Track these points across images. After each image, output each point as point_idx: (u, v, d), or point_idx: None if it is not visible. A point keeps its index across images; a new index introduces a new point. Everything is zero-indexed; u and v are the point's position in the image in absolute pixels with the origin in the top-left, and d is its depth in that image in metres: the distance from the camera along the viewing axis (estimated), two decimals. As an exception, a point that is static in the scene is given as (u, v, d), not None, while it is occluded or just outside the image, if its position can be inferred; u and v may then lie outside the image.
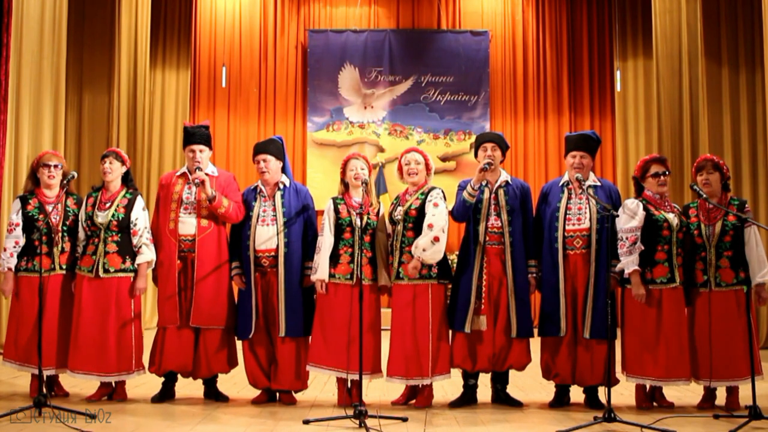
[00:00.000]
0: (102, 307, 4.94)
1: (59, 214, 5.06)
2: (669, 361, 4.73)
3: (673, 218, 4.84)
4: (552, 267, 4.92)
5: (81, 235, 5.09)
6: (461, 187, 4.98)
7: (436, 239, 4.76)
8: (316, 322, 4.97)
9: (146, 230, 5.04)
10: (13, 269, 5.02)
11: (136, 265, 5.01)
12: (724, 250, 4.81)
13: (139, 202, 5.08)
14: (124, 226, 5.01)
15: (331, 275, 4.92)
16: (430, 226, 4.78)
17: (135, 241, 5.01)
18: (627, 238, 4.76)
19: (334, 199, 5.05)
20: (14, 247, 5.01)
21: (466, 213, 4.93)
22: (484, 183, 4.95)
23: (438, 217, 4.81)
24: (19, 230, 5.01)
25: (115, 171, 5.09)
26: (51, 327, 4.95)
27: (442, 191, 4.97)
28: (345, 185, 5.10)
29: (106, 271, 4.95)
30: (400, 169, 5.10)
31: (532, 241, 5.02)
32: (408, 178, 5.03)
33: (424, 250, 4.75)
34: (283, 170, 5.16)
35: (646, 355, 4.76)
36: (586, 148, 5.03)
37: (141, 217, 5.04)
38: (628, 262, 4.75)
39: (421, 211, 4.89)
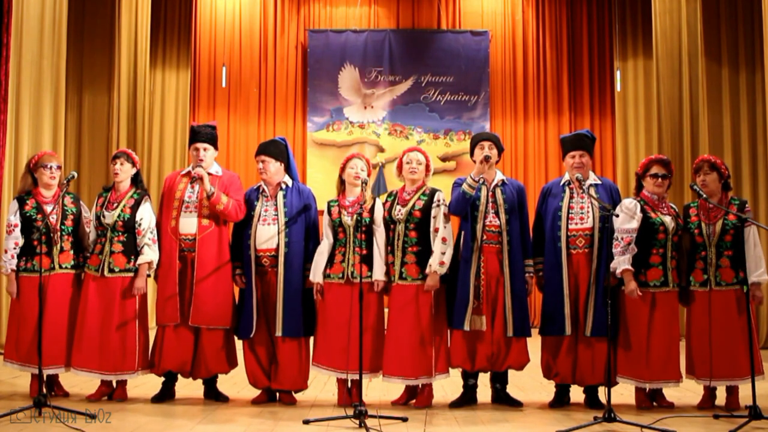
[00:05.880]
0: (106, 306, 4.96)
1: (57, 214, 5.06)
2: (659, 363, 4.74)
3: (669, 221, 4.84)
4: (555, 266, 4.92)
5: (92, 234, 5.12)
6: (457, 184, 4.97)
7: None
8: (318, 323, 5.00)
9: (150, 231, 5.04)
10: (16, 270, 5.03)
11: (137, 265, 5.01)
12: (725, 250, 4.81)
13: (146, 202, 5.09)
14: (130, 227, 5.01)
15: (327, 275, 4.93)
16: (444, 240, 4.82)
17: (138, 240, 5.02)
18: (622, 239, 4.77)
19: (329, 203, 5.06)
20: (14, 248, 5.01)
21: (465, 206, 4.91)
22: (481, 181, 4.94)
23: (448, 229, 4.88)
24: (18, 231, 5.02)
25: (125, 172, 5.12)
26: (59, 326, 4.98)
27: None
28: (342, 183, 5.10)
29: (111, 270, 4.97)
30: (399, 166, 5.10)
31: (530, 240, 5.03)
32: (408, 176, 5.03)
33: (442, 264, 4.79)
34: (288, 171, 5.16)
35: (637, 356, 4.77)
36: (584, 146, 5.03)
37: (146, 218, 5.04)
38: (620, 262, 4.75)
39: (425, 213, 4.90)
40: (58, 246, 5.05)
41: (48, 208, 5.03)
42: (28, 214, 5.02)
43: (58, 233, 5.05)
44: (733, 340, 4.73)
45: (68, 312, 5.04)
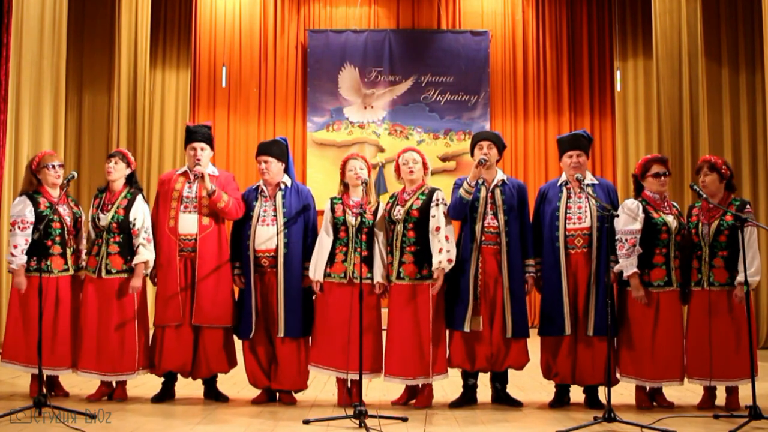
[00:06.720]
0: (104, 307, 4.96)
1: (70, 215, 5.07)
2: (663, 362, 4.75)
3: (671, 221, 4.84)
4: (554, 266, 4.92)
5: (91, 235, 5.12)
6: (457, 185, 4.97)
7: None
8: (316, 322, 4.99)
9: (144, 230, 5.03)
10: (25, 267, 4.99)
11: (133, 265, 5.01)
12: (719, 250, 4.81)
13: (139, 201, 5.07)
14: (125, 227, 5.01)
15: (327, 274, 4.93)
16: (447, 238, 4.82)
17: (134, 240, 5.01)
18: (627, 240, 4.77)
19: (332, 199, 5.05)
20: (25, 245, 4.96)
21: (462, 210, 4.92)
22: (480, 182, 4.94)
23: (450, 227, 4.88)
24: (31, 229, 4.97)
25: (118, 171, 5.09)
26: (65, 327, 4.99)
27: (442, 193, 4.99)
28: (345, 186, 5.10)
29: (108, 272, 4.97)
30: (397, 168, 5.10)
31: (530, 240, 5.02)
32: (406, 177, 5.03)
33: (450, 261, 4.79)
34: (287, 171, 5.16)
35: (642, 356, 4.78)
36: (581, 146, 5.04)
37: (140, 217, 5.03)
38: (628, 264, 4.76)
39: (423, 212, 4.89)
40: (72, 247, 5.06)
41: (61, 209, 5.02)
42: (44, 214, 4.99)
43: (72, 234, 5.06)
44: (728, 340, 4.73)
45: (74, 313, 5.05)
